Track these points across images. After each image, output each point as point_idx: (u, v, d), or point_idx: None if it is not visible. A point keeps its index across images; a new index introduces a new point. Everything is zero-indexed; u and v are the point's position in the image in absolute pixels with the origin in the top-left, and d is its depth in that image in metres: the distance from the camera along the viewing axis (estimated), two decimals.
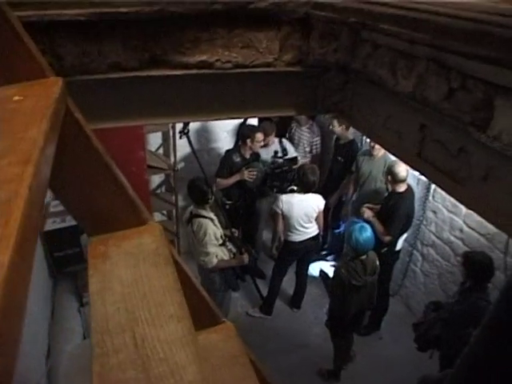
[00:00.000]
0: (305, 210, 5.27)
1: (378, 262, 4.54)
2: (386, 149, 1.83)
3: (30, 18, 1.33)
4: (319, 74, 1.75)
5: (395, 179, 4.83)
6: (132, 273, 0.90)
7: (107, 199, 0.99)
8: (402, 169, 4.73)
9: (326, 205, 5.60)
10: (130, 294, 0.84)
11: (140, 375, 0.70)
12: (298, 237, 5.44)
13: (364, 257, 4.41)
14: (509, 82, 1.03)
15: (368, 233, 4.39)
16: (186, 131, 4.82)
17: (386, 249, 5.01)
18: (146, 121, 1.78)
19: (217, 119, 1.90)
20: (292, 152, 6.32)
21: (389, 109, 1.58)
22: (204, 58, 1.61)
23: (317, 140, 6.70)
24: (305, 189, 5.23)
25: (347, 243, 4.68)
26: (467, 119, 1.18)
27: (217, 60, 1.62)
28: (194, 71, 1.62)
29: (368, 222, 4.93)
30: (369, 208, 5.23)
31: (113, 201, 1.00)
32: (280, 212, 5.34)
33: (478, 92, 1.13)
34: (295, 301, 6.14)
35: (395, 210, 4.90)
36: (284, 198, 5.31)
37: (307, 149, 6.72)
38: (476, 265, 3.78)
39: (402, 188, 4.92)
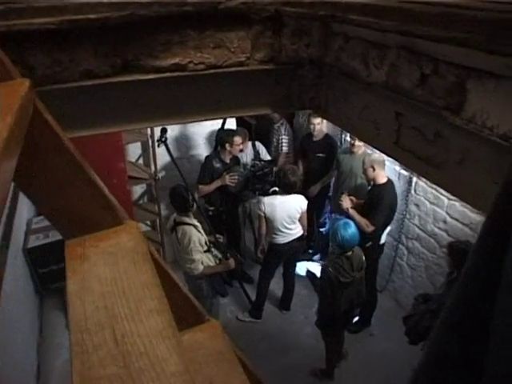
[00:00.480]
0: (287, 211, 5.27)
1: (364, 258, 4.56)
2: (363, 140, 1.84)
3: None
4: (293, 71, 1.75)
5: (377, 164, 4.87)
6: (111, 271, 0.89)
7: (82, 200, 0.98)
8: (377, 155, 4.78)
9: (310, 204, 5.60)
10: (109, 293, 0.83)
11: (121, 370, 0.69)
12: (282, 239, 5.44)
13: (350, 253, 4.43)
14: (479, 64, 1.04)
15: (352, 228, 4.41)
16: (163, 139, 4.80)
17: (370, 243, 5.03)
18: (121, 127, 1.76)
19: (193, 121, 1.89)
20: (264, 154, 6.33)
21: (364, 100, 1.58)
22: (176, 60, 1.60)
23: (283, 138, 6.73)
24: (286, 190, 5.23)
25: (332, 241, 4.69)
26: (441, 104, 1.19)
27: (189, 62, 1.62)
28: (168, 74, 1.62)
29: (350, 217, 4.95)
30: (349, 197, 5.25)
31: (88, 202, 0.99)
32: (263, 215, 5.33)
33: (450, 76, 1.14)
34: (284, 303, 6.13)
35: (378, 200, 4.93)
36: (266, 200, 5.30)
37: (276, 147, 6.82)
38: (461, 254, 3.80)
39: (383, 179, 4.96)
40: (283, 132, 6.70)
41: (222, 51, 1.64)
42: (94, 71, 1.53)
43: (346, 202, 5.17)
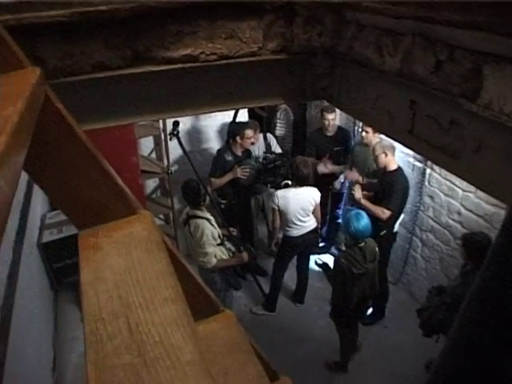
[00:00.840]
0: (301, 204, 5.25)
1: (377, 249, 4.53)
2: (377, 129, 1.82)
3: (9, 21, 1.31)
4: (305, 60, 1.74)
5: (388, 150, 4.87)
6: (124, 261, 0.88)
7: (95, 190, 0.98)
8: (387, 141, 4.79)
9: (324, 196, 5.58)
10: (122, 282, 0.83)
11: (135, 359, 0.69)
12: (296, 231, 5.42)
13: (362, 244, 4.39)
14: (497, 49, 1.02)
15: (365, 218, 4.38)
16: (175, 132, 4.79)
17: (384, 231, 5.02)
18: (133, 119, 1.76)
19: (205, 112, 1.88)
20: (275, 147, 6.32)
21: (378, 89, 1.57)
22: (188, 51, 1.59)
23: (277, 122, 6.92)
24: (299, 182, 5.21)
25: (345, 232, 4.67)
26: (457, 91, 1.17)
27: (201, 53, 1.60)
28: (179, 65, 1.61)
29: (362, 208, 4.94)
30: (360, 185, 5.25)
31: (101, 191, 0.98)
32: (276, 208, 5.31)
33: (466, 62, 1.12)
34: (298, 295, 6.12)
35: (392, 186, 4.90)
36: (279, 193, 5.28)
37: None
38: (476, 245, 3.76)
39: (394, 165, 4.95)
40: (278, 116, 6.87)
41: (233, 41, 1.62)
42: (105, 63, 1.53)
43: (358, 193, 5.15)
